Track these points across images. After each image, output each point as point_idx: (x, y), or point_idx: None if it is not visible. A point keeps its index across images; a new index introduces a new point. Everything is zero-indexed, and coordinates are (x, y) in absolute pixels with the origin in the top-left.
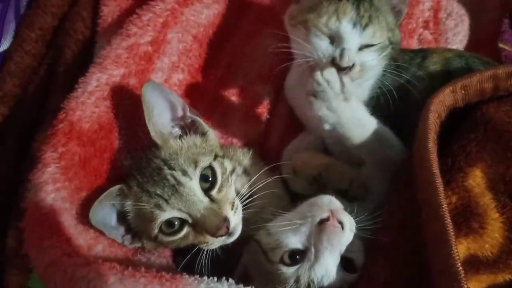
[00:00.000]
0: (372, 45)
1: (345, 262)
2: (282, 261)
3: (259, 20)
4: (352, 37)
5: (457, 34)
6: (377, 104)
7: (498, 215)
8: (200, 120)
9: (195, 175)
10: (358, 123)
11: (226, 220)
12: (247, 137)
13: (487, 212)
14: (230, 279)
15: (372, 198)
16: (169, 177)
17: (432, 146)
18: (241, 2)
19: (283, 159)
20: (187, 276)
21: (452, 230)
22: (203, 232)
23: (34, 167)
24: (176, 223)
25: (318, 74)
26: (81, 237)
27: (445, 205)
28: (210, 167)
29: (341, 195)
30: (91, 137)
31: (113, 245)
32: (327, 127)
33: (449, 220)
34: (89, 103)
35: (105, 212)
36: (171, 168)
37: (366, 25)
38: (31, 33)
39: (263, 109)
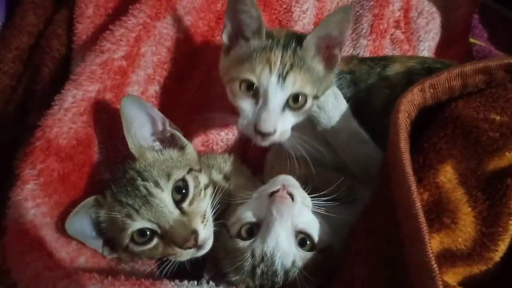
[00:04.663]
0: (297, 101)
1: (302, 239)
2: (239, 235)
3: None
4: (276, 93)
5: (429, 32)
6: None
7: (470, 210)
8: (179, 134)
9: (167, 187)
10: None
11: (194, 232)
12: (227, 144)
13: (459, 207)
14: (211, 282)
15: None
16: (141, 188)
17: (404, 145)
18: (214, 12)
19: (266, 167)
20: (167, 281)
21: (426, 228)
22: (171, 243)
23: (13, 184)
24: (147, 233)
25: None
26: (63, 250)
27: (418, 204)
28: (183, 180)
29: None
30: (69, 152)
31: (95, 256)
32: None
33: (423, 218)
34: (65, 120)
35: (82, 223)
36: (144, 179)
37: (287, 73)
38: (8, 54)
39: None
